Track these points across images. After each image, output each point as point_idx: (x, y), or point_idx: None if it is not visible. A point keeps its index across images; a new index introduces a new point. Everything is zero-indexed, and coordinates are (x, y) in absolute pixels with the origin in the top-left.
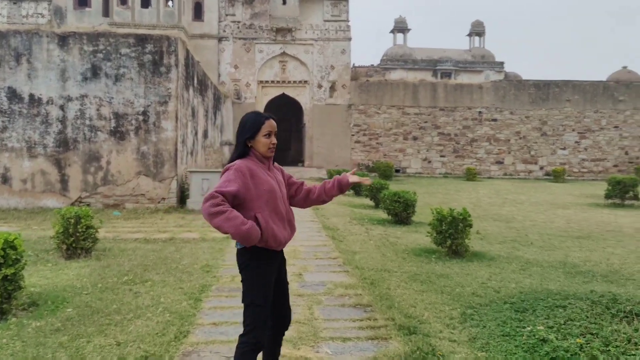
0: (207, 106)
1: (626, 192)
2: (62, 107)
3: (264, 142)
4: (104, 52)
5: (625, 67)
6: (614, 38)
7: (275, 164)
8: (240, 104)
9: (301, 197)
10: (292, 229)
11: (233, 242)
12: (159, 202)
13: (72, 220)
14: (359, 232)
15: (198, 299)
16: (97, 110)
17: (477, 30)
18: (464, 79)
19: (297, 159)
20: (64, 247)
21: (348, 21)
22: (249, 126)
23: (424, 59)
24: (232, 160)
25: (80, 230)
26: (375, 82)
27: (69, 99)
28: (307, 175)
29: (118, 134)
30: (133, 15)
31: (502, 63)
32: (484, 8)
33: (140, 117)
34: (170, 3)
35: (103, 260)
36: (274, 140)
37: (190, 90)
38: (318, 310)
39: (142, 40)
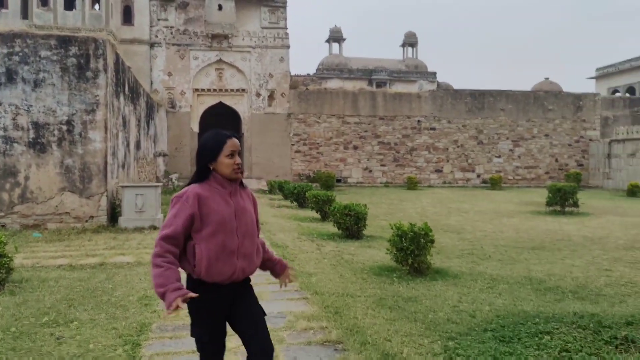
0: (140, 115)
1: (566, 200)
2: None
3: (227, 163)
4: (20, 54)
5: (547, 79)
6: (536, 51)
7: (248, 189)
8: (175, 112)
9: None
10: (250, 263)
11: None
12: (86, 221)
13: None
14: (310, 249)
15: (136, 343)
16: (13, 119)
17: (410, 41)
18: (398, 88)
19: None
20: None
21: (286, 28)
22: (209, 147)
23: (360, 68)
24: (188, 184)
25: None
26: (314, 90)
27: None
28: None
29: (38, 146)
30: (55, 17)
31: (434, 73)
32: (416, 19)
33: (64, 127)
34: (96, 6)
35: (19, 295)
36: (237, 160)
37: (121, 98)
38: (282, 352)
39: (65, 42)
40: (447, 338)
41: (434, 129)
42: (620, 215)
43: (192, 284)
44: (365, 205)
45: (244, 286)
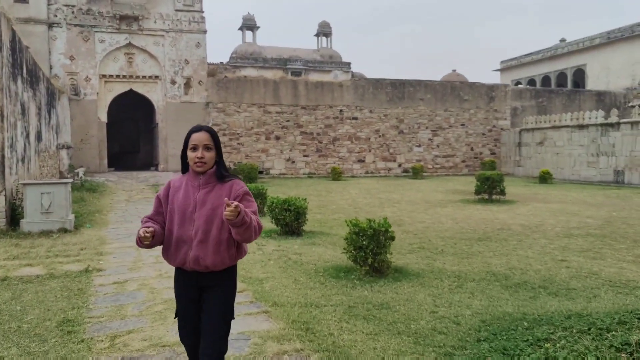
0: (40, 102)
1: (494, 188)
2: None
3: (190, 156)
4: None
5: (454, 71)
6: (443, 42)
7: (235, 180)
8: (79, 100)
9: None
10: (208, 255)
11: (96, 280)
12: None
13: None
14: (251, 249)
15: None
16: None
17: (324, 31)
18: (314, 78)
19: (148, 163)
20: None
21: (202, 12)
22: (184, 140)
23: (275, 57)
24: None
25: None
26: (234, 79)
27: None
28: (164, 180)
29: None
30: None
31: (349, 63)
32: (329, 9)
33: None
34: None
35: None
36: (199, 154)
37: (19, 82)
38: None
39: None
40: (443, 354)
41: (356, 118)
42: (543, 202)
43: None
44: (305, 199)
45: (210, 280)
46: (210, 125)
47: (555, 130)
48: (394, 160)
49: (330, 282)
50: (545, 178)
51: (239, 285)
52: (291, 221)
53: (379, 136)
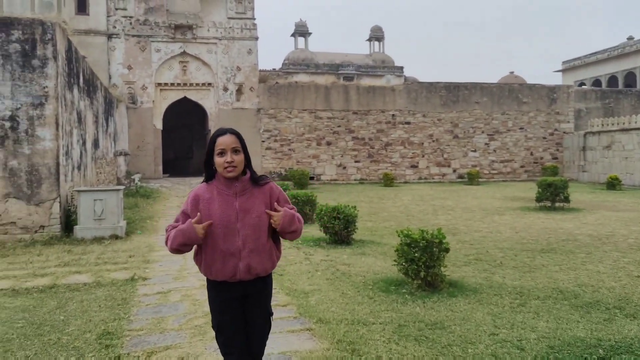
0: (97, 111)
1: (557, 195)
2: None
3: (218, 162)
4: None
5: (512, 72)
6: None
7: (271, 183)
8: (136, 108)
9: None
10: (260, 262)
11: (141, 289)
12: (36, 232)
13: None
14: (298, 259)
15: None
16: None
17: (377, 35)
18: (366, 83)
19: (202, 169)
20: None
21: (254, 19)
22: (207, 147)
23: (327, 63)
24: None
25: None
26: (285, 85)
27: None
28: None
29: None
30: (0, 4)
31: (401, 67)
32: (382, 13)
33: (7, 124)
34: None
35: None
36: (228, 158)
37: (75, 91)
38: None
39: (6, 25)
40: None
41: (408, 123)
42: (613, 210)
43: (207, 281)
44: (355, 207)
45: (255, 286)
46: (261, 131)
47: (624, 133)
48: (449, 166)
49: (379, 297)
50: (613, 184)
51: (283, 298)
52: (340, 230)
53: (433, 141)
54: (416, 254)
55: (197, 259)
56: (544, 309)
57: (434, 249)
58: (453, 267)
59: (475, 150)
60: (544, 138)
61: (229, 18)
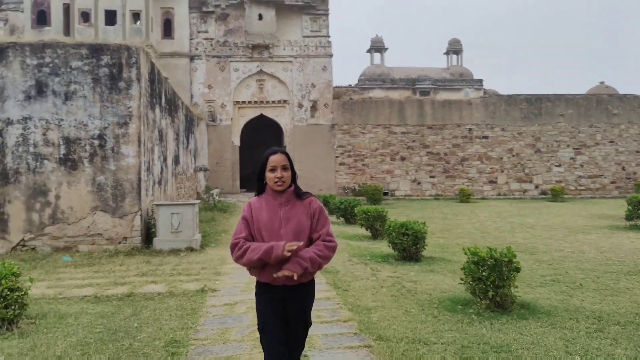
0: (178, 129)
1: None
2: (0, 132)
3: (269, 177)
4: (51, 65)
5: (602, 83)
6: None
7: (312, 198)
8: (216, 126)
9: None
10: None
11: (210, 300)
12: (119, 243)
13: None
14: (365, 274)
15: None
16: (44, 134)
17: (454, 49)
18: (443, 97)
19: None
20: None
21: (328, 37)
22: (260, 164)
23: (403, 78)
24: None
25: (0, 295)
26: (359, 100)
27: (9, 122)
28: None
29: (69, 163)
30: (97, 33)
31: (480, 80)
32: (459, 26)
33: (96, 142)
34: (138, 20)
35: (30, 336)
36: (278, 174)
37: (157, 110)
38: None
39: (96, 51)
40: None
41: (486, 137)
42: None
43: (256, 283)
44: (424, 223)
45: (296, 293)
46: (335, 146)
47: None
48: (530, 181)
49: (444, 316)
50: None
51: (346, 314)
52: (409, 246)
53: (513, 155)
54: (484, 273)
55: None
56: (623, 335)
57: (503, 268)
58: (527, 288)
59: (559, 165)
60: (638, 152)
61: (304, 36)
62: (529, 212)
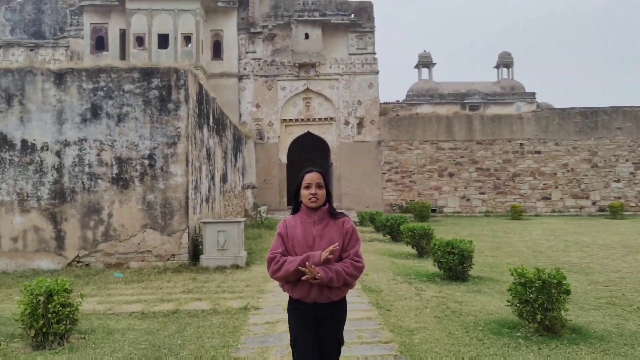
0: (226, 147)
1: None
2: (58, 154)
3: (304, 194)
4: (105, 89)
5: None
6: None
7: (345, 218)
8: (263, 144)
9: None
10: (328, 289)
11: (252, 318)
12: (168, 260)
13: (42, 298)
14: (409, 294)
15: None
16: (98, 155)
17: (505, 62)
18: (493, 111)
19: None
20: (32, 332)
21: (374, 54)
22: (296, 183)
23: (451, 93)
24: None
25: (52, 310)
26: (405, 116)
27: (66, 143)
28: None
29: (121, 182)
30: (150, 56)
31: (533, 94)
32: (510, 39)
33: (146, 162)
34: (189, 43)
35: (79, 351)
36: (313, 190)
37: (205, 130)
38: None
39: (147, 74)
40: None
41: (539, 152)
42: None
43: (289, 300)
44: (471, 241)
45: (327, 311)
46: (382, 163)
47: None
48: (587, 198)
49: (489, 339)
50: None
51: (387, 335)
52: (455, 265)
53: (567, 171)
54: (531, 295)
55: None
56: None
57: (552, 290)
58: (579, 311)
59: (618, 181)
60: None
61: (350, 54)
62: (585, 229)
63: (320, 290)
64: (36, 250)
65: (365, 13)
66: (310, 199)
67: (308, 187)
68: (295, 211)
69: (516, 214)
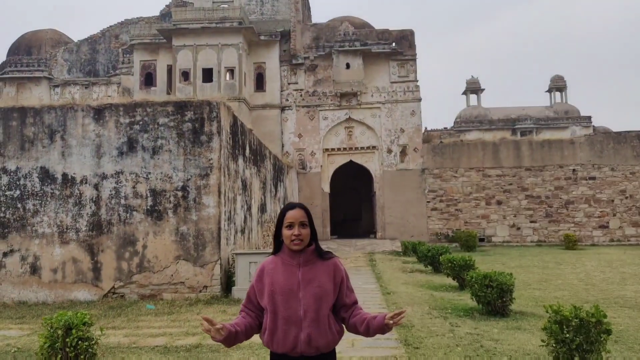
0: (265, 178)
1: None
2: (96, 186)
3: (285, 234)
4: (141, 123)
5: None
6: None
7: (336, 259)
8: (306, 174)
9: (350, 325)
10: (320, 336)
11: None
12: (200, 291)
13: (60, 332)
14: (442, 330)
15: None
16: (133, 187)
17: (558, 86)
18: (546, 136)
19: (369, 230)
20: None
21: (416, 81)
22: (278, 219)
23: (501, 118)
24: None
25: (70, 344)
26: (450, 143)
27: (104, 176)
28: (380, 248)
29: (155, 214)
30: (195, 90)
31: (589, 117)
32: (562, 62)
33: (179, 193)
34: (232, 76)
35: None
36: (296, 231)
37: (240, 161)
38: None
39: (181, 107)
40: None
41: (593, 178)
42: None
43: (271, 356)
44: (511, 274)
45: None
46: (426, 191)
47: None
48: None
49: None
50: None
51: None
52: (493, 299)
53: (626, 197)
54: (567, 335)
55: (262, 330)
56: None
57: (591, 330)
58: (627, 352)
59: None
60: None
61: (392, 82)
62: None
63: (308, 341)
64: (74, 282)
65: (406, 41)
66: (293, 241)
67: (290, 226)
68: (276, 251)
69: (570, 243)
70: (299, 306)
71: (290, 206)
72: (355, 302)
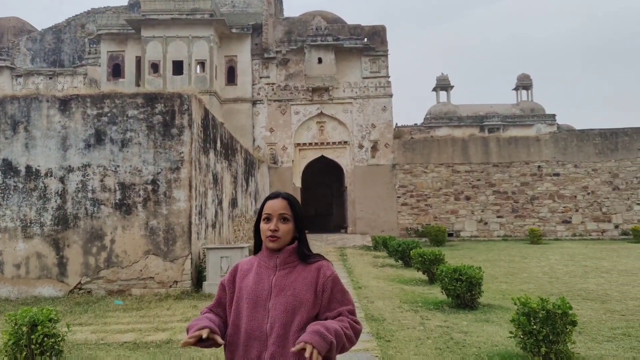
0: (236, 172)
1: None
2: (62, 179)
3: (262, 228)
4: (109, 115)
5: None
6: None
7: (323, 262)
8: (277, 168)
9: None
10: (287, 352)
11: None
12: (170, 286)
13: (25, 328)
14: (412, 323)
15: None
16: (101, 181)
17: (524, 84)
18: (513, 133)
19: (340, 225)
20: None
21: (388, 77)
22: (259, 210)
23: (470, 115)
24: None
25: (35, 341)
26: (420, 139)
27: (70, 169)
28: (351, 243)
29: (124, 207)
30: (164, 83)
31: (553, 115)
32: (528, 61)
33: (149, 187)
34: (203, 69)
35: None
36: (272, 226)
37: (211, 154)
38: None
39: (151, 99)
40: None
41: (557, 174)
42: None
43: None
44: (480, 268)
45: None
46: (397, 187)
47: None
48: (609, 221)
49: None
50: None
51: None
52: (463, 292)
53: (588, 193)
54: (534, 326)
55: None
56: None
57: (557, 321)
58: (591, 343)
59: None
60: None
61: (364, 78)
62: (606, 254)
63: (286, 349)
64: (38, 277)
65: (378, 37)
66: (268, 237)
67: (268, 219)
68: (256, 250)
69: (535, 238)
70: (266, 319)
71: (271, 195)
72: (351, 311)
